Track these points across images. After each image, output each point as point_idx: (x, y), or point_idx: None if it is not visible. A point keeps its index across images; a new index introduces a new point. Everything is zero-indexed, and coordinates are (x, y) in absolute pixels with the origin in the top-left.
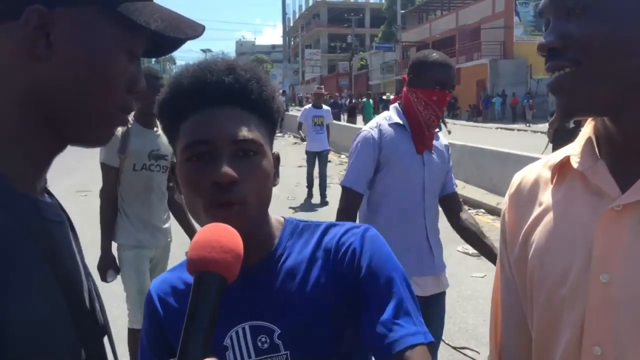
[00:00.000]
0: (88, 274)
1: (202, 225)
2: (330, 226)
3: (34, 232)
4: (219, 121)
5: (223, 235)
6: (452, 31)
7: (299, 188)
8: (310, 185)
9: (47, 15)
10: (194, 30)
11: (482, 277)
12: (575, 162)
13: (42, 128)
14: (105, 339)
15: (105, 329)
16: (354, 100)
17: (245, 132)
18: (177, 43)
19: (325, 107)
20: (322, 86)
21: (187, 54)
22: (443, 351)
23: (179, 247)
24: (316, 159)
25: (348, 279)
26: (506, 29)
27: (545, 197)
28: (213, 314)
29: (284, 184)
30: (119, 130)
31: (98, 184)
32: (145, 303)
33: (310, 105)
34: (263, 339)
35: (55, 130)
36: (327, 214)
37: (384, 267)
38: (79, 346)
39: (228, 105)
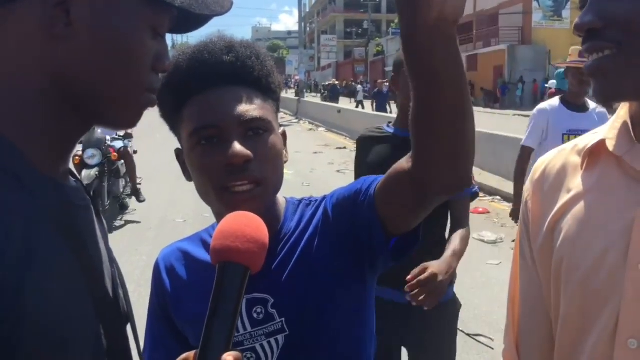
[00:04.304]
0: (112, 260)
1: (215, 211)
2: (327, 195)
3: (57, 217)
4: (224, 102)
5: (248, 225)
6: (469, 17)
7: (313, 174)
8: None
9: None
10: (221, 6)
11: (497, 264)
12: (611, 146)
13: (67, 110)
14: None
15: (128, 317)
16: None
17: (252, 111)
18: (203, 19)
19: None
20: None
21: None
22: (457, 338)
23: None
24: None
25: (338, 224)
26: (525, 15)
27: (575, 183)
28: (236, 306)
29: (298, 170)
30: None
31: None
32: (153, 273)
33: (557, 102)
34: (259, 310)
35: (80, 112)
36: None
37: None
38: (101, 334)
39: (231, 85)
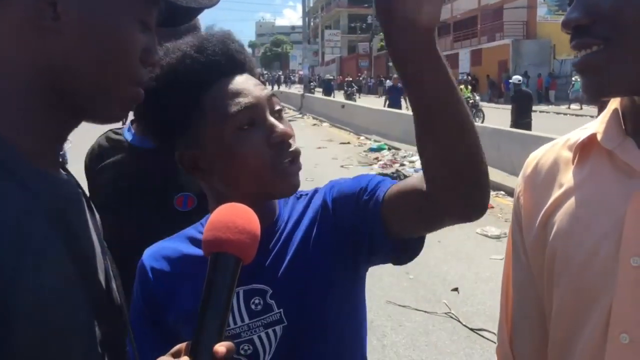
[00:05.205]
0: (105, 253)
1: (214, 203)
2: (319, 188)
3: (49, 208)
4: (251, 87)
5: (239, 216)
6: (474, 11)
7: (317, 169)
8: None
9: None
10: None
11: (501, 259)
12: (602, 140)
13: (56, 103)
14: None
15: (121, 309)
16: None
17: (269, 92)
18: (192, 12)
19: None
20: None
21: None
22: (461, 332)
23: None
24: None
25: (334, 218)
26: (529, 9)
27: (567, 177)
28: (229, 297)
29: (302, 165)
30: None
31: None
32: (137, 274)
33: None
34: (257, 301)
35: (70, 105)
36: None
37: (350, 182)
38: (94, 325)
39: (243, 73)
